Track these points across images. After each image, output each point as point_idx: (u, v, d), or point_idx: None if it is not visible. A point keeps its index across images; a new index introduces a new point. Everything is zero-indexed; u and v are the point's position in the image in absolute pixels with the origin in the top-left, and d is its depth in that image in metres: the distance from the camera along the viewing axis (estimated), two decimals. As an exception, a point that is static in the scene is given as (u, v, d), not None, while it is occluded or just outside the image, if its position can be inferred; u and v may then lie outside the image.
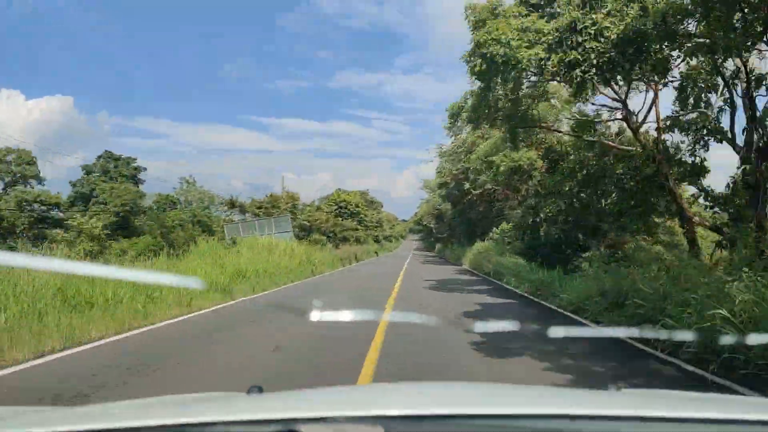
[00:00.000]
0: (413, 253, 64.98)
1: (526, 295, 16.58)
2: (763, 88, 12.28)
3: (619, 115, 16.45)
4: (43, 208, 33.35)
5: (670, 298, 8.40)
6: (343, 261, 35.87)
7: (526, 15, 12.73)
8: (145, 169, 62.91)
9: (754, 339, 5.24)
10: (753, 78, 12.34)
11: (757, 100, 12.42)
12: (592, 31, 11.31)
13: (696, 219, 14.66)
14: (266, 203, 37.11)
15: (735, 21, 10.52)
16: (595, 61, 11.36)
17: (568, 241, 21.00)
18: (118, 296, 10.78)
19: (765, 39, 10.81)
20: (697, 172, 14.43)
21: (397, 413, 1.24)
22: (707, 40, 11.14)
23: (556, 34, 11.79)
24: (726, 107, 13.33)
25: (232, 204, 36.89)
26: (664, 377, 6.45)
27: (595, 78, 11.91)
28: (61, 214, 34.39)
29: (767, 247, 9.84)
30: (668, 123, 14.77)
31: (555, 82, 15.70)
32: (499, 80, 12.96)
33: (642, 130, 15.97)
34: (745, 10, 10.26)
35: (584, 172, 15.91)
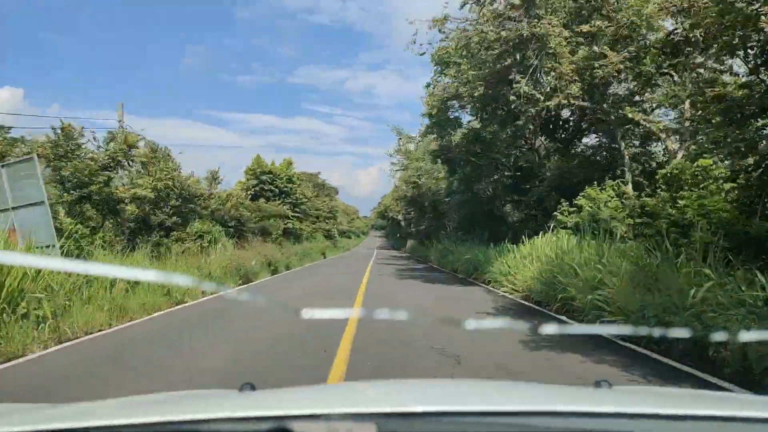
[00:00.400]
0: (378, 254, 46.45)
1: None
2: None
3: None
4: None
5: None
6: (207, 280, 15.72)
7: None
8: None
9: None
10: None
11: None
12: None
13: None
14: (48, 147, 15.58)
15: None
16: None
17: None
18: None
19: None
20: None
21: (390, 410, 1.20)
22: None
23: None
24: None
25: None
26: None
27: None
28: None
29: None
30: None
31: None
32: None
33: None
34: None
35: None
